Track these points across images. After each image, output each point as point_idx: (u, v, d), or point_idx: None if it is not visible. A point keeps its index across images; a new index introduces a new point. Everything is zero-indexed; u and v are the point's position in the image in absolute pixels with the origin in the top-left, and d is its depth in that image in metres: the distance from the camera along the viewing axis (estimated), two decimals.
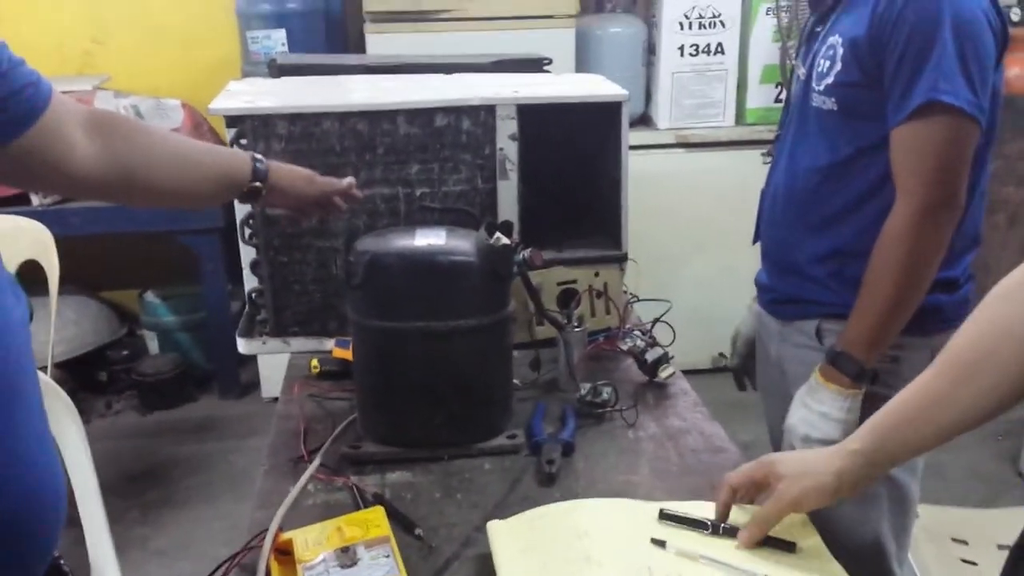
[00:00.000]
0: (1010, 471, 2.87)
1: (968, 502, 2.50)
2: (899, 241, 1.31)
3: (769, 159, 1.63)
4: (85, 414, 3.40)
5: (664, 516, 1.04)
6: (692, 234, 3.37)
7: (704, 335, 3.15)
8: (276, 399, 1.55)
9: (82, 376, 3.48)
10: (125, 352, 3.60)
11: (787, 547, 1.00)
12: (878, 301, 1.34)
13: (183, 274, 3.50)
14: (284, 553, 1.02)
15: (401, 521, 1.12)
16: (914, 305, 1.35)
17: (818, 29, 1.44)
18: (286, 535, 1.04)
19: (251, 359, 3.47)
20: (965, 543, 1.84)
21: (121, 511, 2.75)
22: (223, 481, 2.96)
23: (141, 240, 3.42)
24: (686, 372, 1.60)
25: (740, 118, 3.34)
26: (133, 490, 2.90)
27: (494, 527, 1.06)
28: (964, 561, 1.78)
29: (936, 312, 1.39)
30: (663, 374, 1.54)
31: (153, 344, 3.64)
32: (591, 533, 1.01)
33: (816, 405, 1.40)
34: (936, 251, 1.33)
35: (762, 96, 3.29)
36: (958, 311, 1.39)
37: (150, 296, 3.60)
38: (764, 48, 3.22)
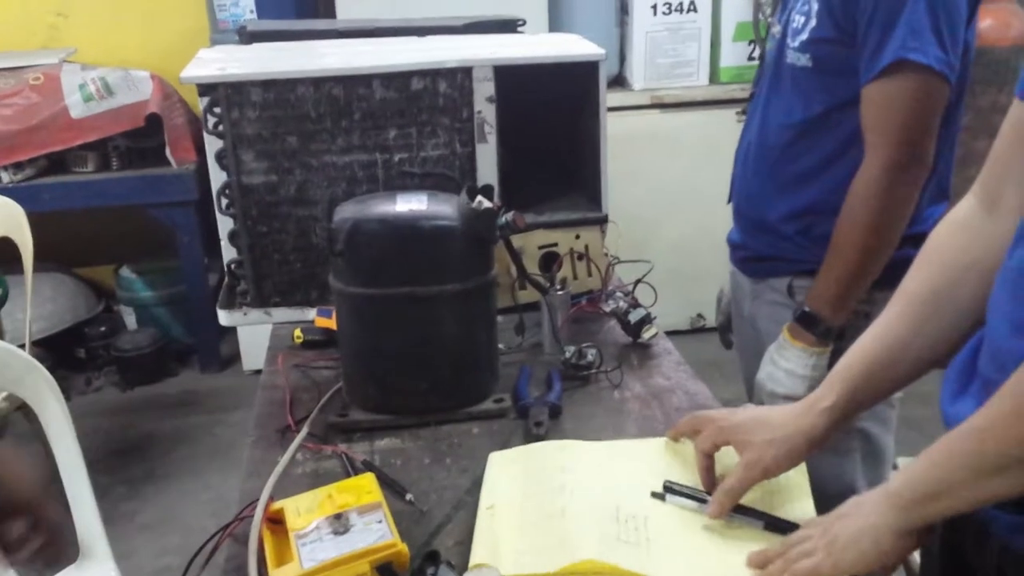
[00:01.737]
0: None
1: None
2: (867, 199, 1.32)
3: (743, 118, 1.63)
4: (65, 392, 3.32)
5: (668, 488, 1.03)
6: (669, 195, 3.37)
7: (682, 296, 3.17)
8: (258, 371, 1.54)
9: (61, 353, 3.46)
10: (103, 328, 3.57)
11: (789, 527, 0.96)
12: (845, 259, 1.35)
13: (159, 248, 3.46)
14: (276, 522, 1.02)
15: (392, 487, 1.13)
16: (881, 263, 1.36)
17: None
18: (277, 504, 1.03)
19: (231, 332, 3.45)
20: None
21: (106, 487, 2.74)
22: (208, 454, 2.96)
23: (115, 215, 3.38)
24: (667, 334, 1.60)
25: (714, 77, 3.34)
26: (118, 466, 2.89)
27: (494, 457, 1.12)
28: None
29: (906, 265, 1.39)
30: (646, 335, 1.54)
31: (131, 319, 3.61)
32: (575, 468, 1.05)
33: (783, 362, 1.42)
34: (904, 209, 1.34)
35: (735, 55, 3.28)
36: None
37: (126, 271, 3.56)
38: (737, 5, 3.21)
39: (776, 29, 1.46)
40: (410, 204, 1.25)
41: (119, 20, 3.42)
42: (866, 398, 0.98)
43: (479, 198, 1.27)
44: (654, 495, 1.01)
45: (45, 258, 3.29)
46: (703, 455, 1.02)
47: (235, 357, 3.49)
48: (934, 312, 0.94)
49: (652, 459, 1.10)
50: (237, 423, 3.01)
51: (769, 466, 0.97)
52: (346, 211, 1.25)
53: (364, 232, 1.22)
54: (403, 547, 0.93)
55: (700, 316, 3.60)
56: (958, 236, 0.95)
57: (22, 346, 2.26)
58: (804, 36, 1.35)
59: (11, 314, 2.46)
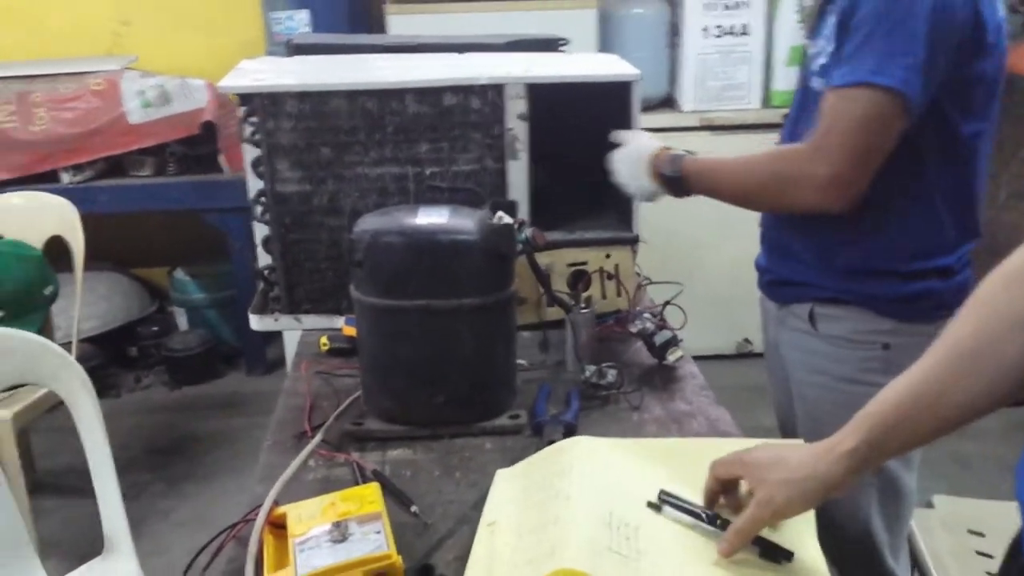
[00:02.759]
0: None
1: (996, 494, 2.46)
2: (779, 173, 1.34)
3: (777, 140, 1.60)
4: (115, 388, 3.48)
5: (664, 499, 1.02)
6: (717, 219, 3.30)
7: (728, 321, 3.13)
8: None
9: (113, 351, 3.56)
10: (155, 328, 3.67)
11: (784, 555, 0.95)
12: (730, 178, 1.42)
13: (212, 252, 3.54)
14: (279, 527, 1.04)
15: (398, 498, 1.13)
16: (743, 205, 1.43)
17: (825, 8, 1.41)
18: (281, 509, 1.05)
19: (277, 337, 3.51)
20: (982, 535, 1.82)
21: (146, 483, 2.81)
22: (247, 456, 3.00)
23: (170, 218, 3.47)
24: (710, 359, 1.59)
25: (766, 100, 3.30)
26: (158, 463, 2.96)
27: (500, 474, 1.14)
28: (979, 553, 1.75)
29: (929, 298, 1.37)
30: (671, 357, 1.52)
31: (182, 320, 3.70)
32: (571, 471, 1.05)
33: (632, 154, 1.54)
34: (789, 204, 1.37)
35: (789, 78, 3.24)
36: (953, 298, 1.35)
37: (180, 274, 3.65)
38: (790, 29, 3.17)
39: (810, 52, 1.45)
40: (431, 217, 1.26)
41: (179, 30, 3.53)
42: (892, 447, 0.92)
43: (499, 213, 1.27)
44: (650, 505, 1.00)
45: (101, 258, 3.40)
46: (715, 480, 1.00)
47: (280, 362, 3.54)
48: (973, 366, 0.88)
49: (654, 462, 1.09)
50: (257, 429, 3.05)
51: (780, 508, 0.93)
52: (367, 222, 1.27)
53: (383, 243, 1.23)
54: (398, 559, 0.94)
55: (747, 341, 3.55)
56: (1012, 288, 0.89)
57: (69, 343, 2.33)
58: (823, 60, 1.33)
59: (64, 311, 2.54)
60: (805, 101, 1.41)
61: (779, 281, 1.53)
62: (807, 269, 1.45)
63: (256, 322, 1.67)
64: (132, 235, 3.61)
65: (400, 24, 2.90)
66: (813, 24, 1.46)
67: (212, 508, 2.69)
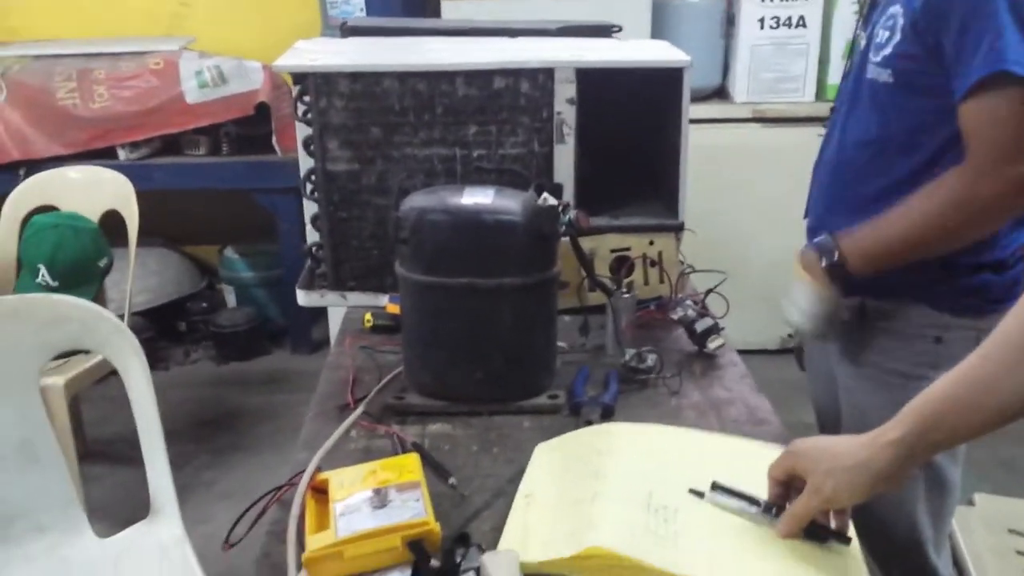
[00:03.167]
0: None
1: None
2: (947, 203, 1.27)
3: (823, 132, 1.59)
4: (164, 362, 3.56)
5: (716, 486, 1.01)
6: (765, 211, 3.30)
7: (772, 315, 3.09)
8: None
9: (163, 325, 3.65)
10: (204, 304, 3.75)
11: (839, 539, 0.96)
12: (899, 235, 1.32)
13: (261, 232, 3.61)
14: (321, 492, 1.06)
15: (437, 470, 1.16)
16: (926, 255, 1.33)
17: None
18: (323, 475, 1.08)
19: (323, 316, 3.57)
20: (1023, 535, 1.79)
21: (191, 455, 2.88)
22: (289, 431, 3.05)
23: (222, 197, 3.54)
24: (751, 352, 1.57)
25: (821, 94, 3.26)
26: (204, 435, 3.03)
27: (540, 448, 1.15)
28: (1019, 553, 1.73)
29: (983, 292, 1.35)
30: (712, 344, 1.53)
31: (231, 298, 3.78)
32: (612, 452, 1.07)
33: (794, 294, 1.44)
34: (982, 231, 1.29)
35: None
36: (1007, 292, 1.34)
37: (229, 252, 3.73)
38: (847, 22, 3.12)
39: (862, 41, 1.43)
40: (476, 197, 1.28)
41: (237, 12, 3.59)
42: (941, 439, 0.93)
43: (544, 195, 1.29)
44: (692, 492, 1.00)
45: (154, 234, 3.48)
46: (774, 482, 1.00)
47: (325, 341, 3.60)
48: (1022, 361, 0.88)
49: (695, 450, 1.11)
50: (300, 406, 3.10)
51: (829, 496, 0.94)
52: (414, 200, 1.29)
53: (429, 221, 1.25)
54: (436, 526, 0.96)
55: (791, 336, 3.51)
56: None
57: (122, 315, 2.40)
58: (887, 51, 1.31)
59: (117, 284, 2.61)
60: (858, 92, 1.40)
61: None
62: None
63: (303, 298, 1.70)
64: (184, 213, 3.69)
65: (454, 9, 2.91)
66: (866, 13, 1.45)
67: (255, 480, 2.74)
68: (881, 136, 1.35)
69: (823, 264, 1.39)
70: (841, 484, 0.93)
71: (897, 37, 1.29)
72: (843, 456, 0.94)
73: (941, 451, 0.99)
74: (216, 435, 3.04)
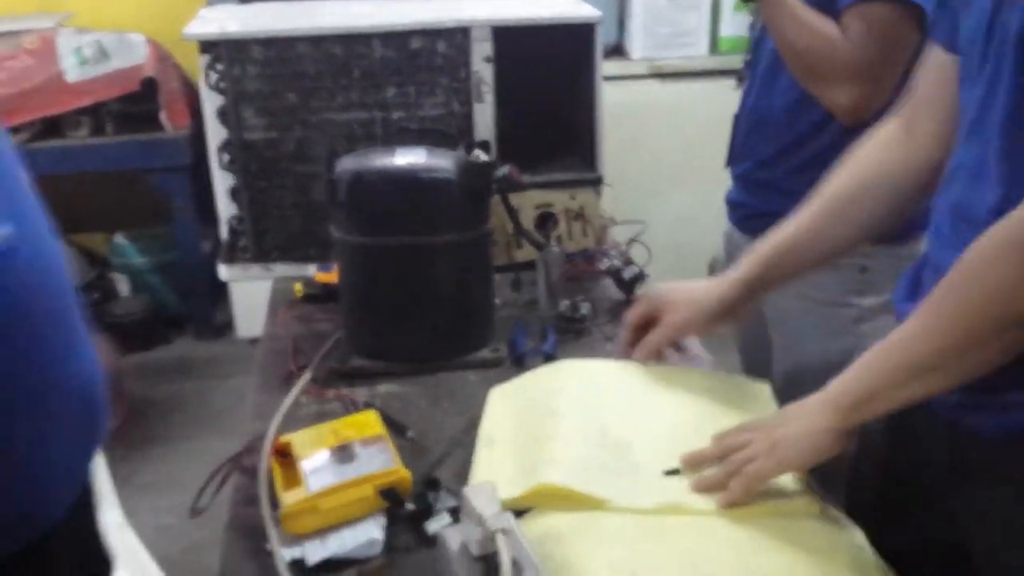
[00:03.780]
0: None
1: None
2: (816, 49, 1.34)
3: (740, 85, 1.65)
4: None
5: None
6: (668, 165, 3.39)
7: (681, 265, 3.19)
8: (253, 340, 1.56)
9: None
10: (96, 295, 3.58)
11: None
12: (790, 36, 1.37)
13: (153, 215, 3.48)
14: (282, 455, 1.06)
15: (393, 426, 1.16)
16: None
17: None
18: (284, 437, 1.08)
19: (224, 300, 3.47)
20: None
21: (104, 450, 2.77)
22: (203, 419, 2.98)
23: (109, 180, 3.38)
24: None
25: (714, 47, 3.35)
26: (114, 430, 2.92)
27: (494, 392, 1.19)
28: None
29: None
30: (640, 291, 1.58)
31: (124, 286, 3.62)
32: (565, 390, 1.12)
33: None
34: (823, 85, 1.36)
35: (736, 24, 3.28)
36: (924, 217, 1.43)
37: (119, 238, 3.57)
38: None
39: None
40: (408, 158, 1.28)
41: None
42: (773, 277, 1.13)
43: (476, 151, 1.30)
44: (667, 473, 0.99)
45: None
46: (630, 329, 1.19)
47: (228, 325, 3.50)
48: (842, 213, 1.08)
49: (640, 381, 1.16)
50: (233, 389, 3.03)
51: (685, 321, 1.17)
52: (347, 163, 1.28)
53: (365, 183, 1.25)
54: (406, 473, 0.98)
55: (710, 277, 3.64)
56: (878, 151, 1.08)
57: None
58: None
59: None
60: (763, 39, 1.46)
61: (757, 214, 1.57)
62: (787, 199, 1.50)
63: (226, 272, 1.67)
64: (70, 199, 3.49)
65: None
66: None
67: (175, 470, 2.67)
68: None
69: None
70: (696, 311, 1.15)
71: None
72: (699, 290, 1.16)
73: (774, 286, 1.16)
74: (126, 429, 2.94)
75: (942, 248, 0.92)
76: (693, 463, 0.98)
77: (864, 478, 1.09)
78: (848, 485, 1.10)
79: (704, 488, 0.95)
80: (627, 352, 1.20)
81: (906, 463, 1.02)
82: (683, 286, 1.20)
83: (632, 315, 1.19)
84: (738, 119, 1.63)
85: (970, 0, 0.90)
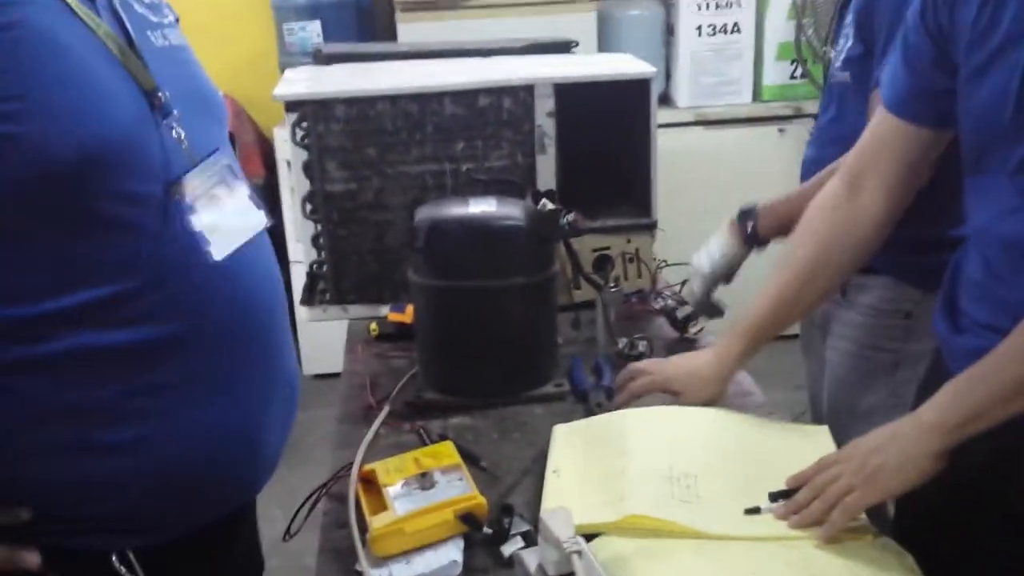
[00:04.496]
0: None
1: None
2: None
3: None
4: None
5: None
6: (712, 208, 3.45)
7: (726, 299, 3.25)
8: (319, 376, 1.66)
9: None
10: None
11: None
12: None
13: None
14: (367, 482, 1.16)
15: (467, 456, 1.26)
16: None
17: (843, 11, 1.55)
18: (369, 466, 1.18)
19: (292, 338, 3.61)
20: None
21: None
22: None
23: None
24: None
25: (757, 95, 3.45)
26: None
27: (558, 429, 1.28)
28: None
29: (941, 270, 1.49)
30: (692, 329, 1.67)
31: None
32: (630, 433, 1.20)
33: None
34: None
35: (778, 73, 3.39)
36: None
37: None
38: (779, 26, 3.33)
39: (830, 55, 1.59)
40: (481, 207, 1.40)
41: (196, 43, 3.62)
42: (757, 349, 1.31)
43: (543, 200, 1.41)
44: (748, 512, 1.05)
45: None
46: (631, 397, 1.33)
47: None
48: (811, 279, 1.24)
49: (701, 424, 1.25)
50: (304, 423, 3.12)
51: (696, 400, 1.30)
52: (425, 212, 1.40)
53: (442, 230, 1.37)
54: (482, 499, 1.07)
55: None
56: (829, 214, 1.22)
57: None
58: (844, 55, 1.47)
59: None
60: (830, 98, 1.55)
61: None
62: None
63: (306, 313, 1.79)
64: None
65: (410, 32, 3.02)
66: (831, 29, 1.60)
67: None
68: (851, 133, 1.49)
69: (745, 229, 1.62)
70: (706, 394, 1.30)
71: (850, 42, 1.45)
72: (704, 368, 1.32)
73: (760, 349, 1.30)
74: None
75: (993, 279, 1.02)
76: (789, 508, 1.02)
77: (916, 496, 1.08)
78: (898, 503, 1.15)
79: (803, 524, 0.99)
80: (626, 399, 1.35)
81: (1000, 480, 1.03)
82: (688, 367, 1.34)
83: (638, 387, 1.34)
84: (802, 169, 1.69)
85: (982, 71, 0.96)
